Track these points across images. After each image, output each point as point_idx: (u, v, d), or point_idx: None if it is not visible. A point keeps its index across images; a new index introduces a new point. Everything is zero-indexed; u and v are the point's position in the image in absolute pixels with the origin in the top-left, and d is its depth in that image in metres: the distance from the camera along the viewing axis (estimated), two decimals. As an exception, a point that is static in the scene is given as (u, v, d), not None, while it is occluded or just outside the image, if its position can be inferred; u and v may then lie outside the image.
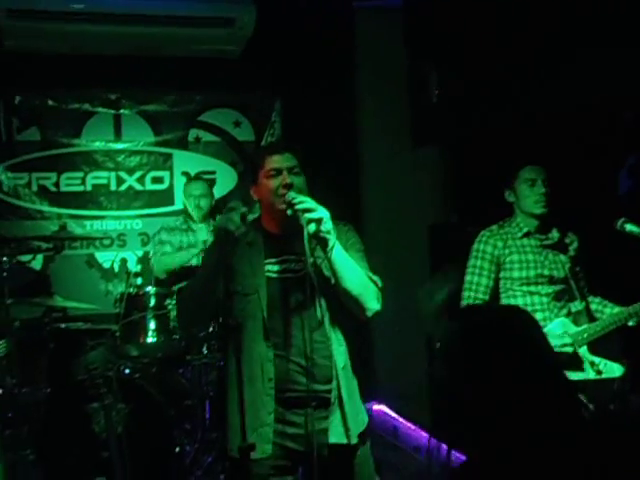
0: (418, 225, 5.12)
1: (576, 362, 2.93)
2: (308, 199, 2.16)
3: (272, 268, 2.27)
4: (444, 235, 5.09)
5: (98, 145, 5.11)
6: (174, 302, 3.80)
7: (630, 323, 2.93)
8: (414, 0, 4.90)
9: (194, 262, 4.19)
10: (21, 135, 4.99)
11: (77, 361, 3.92)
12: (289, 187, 2.20)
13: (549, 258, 3.05)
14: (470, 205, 4.85)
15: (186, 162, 5.25)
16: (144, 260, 4.83)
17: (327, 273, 2.23)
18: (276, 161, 2.25)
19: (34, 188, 5.00)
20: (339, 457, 2.24)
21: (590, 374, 2.93)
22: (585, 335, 2.95)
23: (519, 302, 3.02)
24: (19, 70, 4.77)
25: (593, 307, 3.08)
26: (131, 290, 3.89)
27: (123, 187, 5.16)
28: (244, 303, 2.24)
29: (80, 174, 5.08)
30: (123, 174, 5.16)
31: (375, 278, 2.28)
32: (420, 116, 5.03)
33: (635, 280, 3.09)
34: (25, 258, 4.83)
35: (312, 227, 2.13)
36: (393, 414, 5.07)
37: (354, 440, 2.25)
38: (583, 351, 2.95)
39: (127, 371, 3.72)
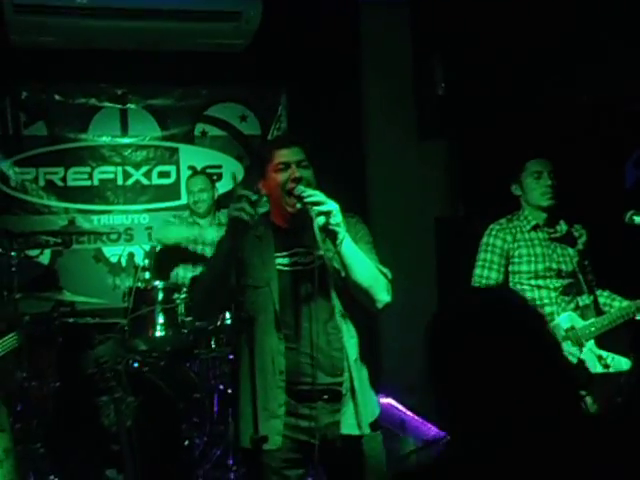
0: (424, 218, 5.13)
1: (580, 371, 2.93)
2: (317, 192, 2.17)
3: (282, 261, 2.28)
4: (450, 228, 5.10)
5: (105, 140, 5.12)
6: (182, 296, 3.82)
7: (638, 317, 2.93)
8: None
9: (192, 247, 4.22)
10: (28, 130, 4.99)
11: (86, 355, 3.94)
12: (298, 181, 2.21)
13: (557, 251, 3.05)
14: (476, 198, 4.85)
15: (192, 156, 5.25)
16: (151, 254, 4.84)
17: (337, 266, 2.24)
18: (284, 155, 2.25)
19: (41, 183, 5.01)
20: (352, 448, 2.26)
21: (598, 368, 2.94)
22: (593, 329, 2.96)
23: (527, 296, 3.02)
24: (26, 65, 4.77)
25: (601, 301, 3.08)
26: (139, 284, 3.90)
27: (130, 182, 5.17)
28: (255, 296, 2.25)
29: (87, 169, 5.09)
30: (130, 169, 5.17)
31: (385, 270, 2.29)
32: (426, 109, 5.03)
33: (643, 273, 3.09)
34: (33, 253, 4.84)
35: (322, 220, 2.14)
36: (400, 407, 5.09)
37: (366, 431, 2.27)
38: (591, 345, 2.95)
39: (136, 365, 3.74)
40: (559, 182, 3.03)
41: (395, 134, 5.13)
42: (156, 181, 5.21)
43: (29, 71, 4.82)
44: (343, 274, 2.23)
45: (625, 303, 3.01)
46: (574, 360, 2.92)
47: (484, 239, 3.13)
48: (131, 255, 5.16)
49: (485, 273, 3.05)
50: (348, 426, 2.25)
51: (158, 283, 3.90)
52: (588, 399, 2.99)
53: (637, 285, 3.02)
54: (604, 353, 2.96)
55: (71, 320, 4.08)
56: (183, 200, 5.12)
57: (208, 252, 4.25)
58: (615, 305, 3.04)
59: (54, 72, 4.87)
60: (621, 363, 2.95)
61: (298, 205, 2.18)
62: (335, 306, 2.25)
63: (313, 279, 2.16)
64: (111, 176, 5.14)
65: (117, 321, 3.99)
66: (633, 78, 3.71)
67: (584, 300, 3.03)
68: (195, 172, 4.85)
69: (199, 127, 5.28)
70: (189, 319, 3.83)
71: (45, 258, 4.97)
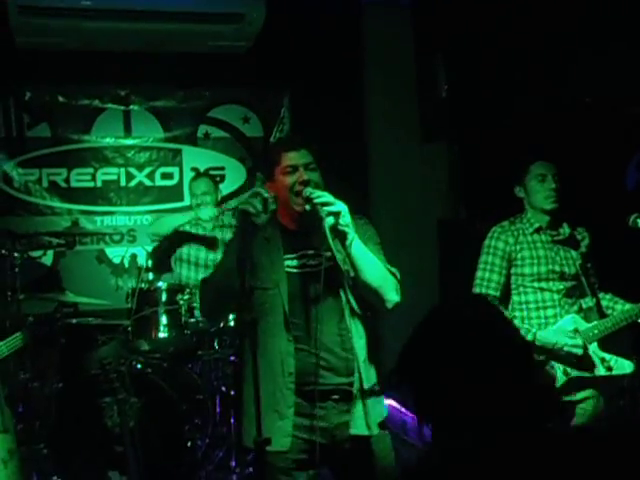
0: (427, 220, 5.14)
1: (587, 362, 2.94)
2: (326, 193, 2.19)
3: (291, 263, 2.29)
4: (452, 230, 5.10)
5: (108, 141, 5.13)
6: (185, 297, 3.82)
7: (640, 320, 2.94)
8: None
9: (187, 228, 4.25)
10: (31, 131, 5.01)
11: (89, 356, 3.95)
12: (306, 183, 2.22)
13: (560, 254, 3.05)
14: (478, 200, 4.86)
15: (195, 158, 5.27)
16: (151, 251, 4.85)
17: (346, 266, 2.25)
18: (292, 158, 2.27)
19: (45, 184, 5.03)
20: (361, 448, 2.27)
21: (601, 371, 2.94)
22: (596, 331, 2.96)
23: (530, 298, 3.03)
24: (29, 66, 4.79)
25: (604, 304, 3.08)
26: (142, 285, 3.90)
27: (133, 183, 5.18)
28: (264, 297, 2.26)
29: (90, 170, 5.10)
30: (133, 170, 5.18)
31: (394, 270, 2.30)
32: (429, 112, 5.04)
33: (646, 276, 3.09)
34: (36, 254, 4.85)
35: (331, 220, 2.16)
36: (402, 409, 5.09)
37: (375, 431, 2.28)
38: (594, 347, 2.96)
39: (139, 366, 3.74)
40: (561, 184, 3.03)
41: (397, 136, 5.14)
42: (159, 182, 5.22)
43: (33, 73, 4.84)
44: (352, 274, 2.24)
45: (628, 306, 3.01)
46: (580, 352, 2.92)
47: (486, 242, 3.13)
48: (134, 256, 5.17)
49: (487, 276, 3.06)
50: (357, 426, 2.26)
51: (161, 284, 3.91)
52: (591, 401, 2.99)
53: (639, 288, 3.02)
54: (607, 355, 2.96)
55: (74, 321, 4.08)
56: (186, 201, 5.13)
57: (208, 230, 4.28)
58: (618, 308, 3.05)
59: (57, 74, 4.89)
60: (624, 365, 2.96)
61: (307, 207, 2.19)
62: (344, 307, 2.27)
63: (323, 280, 2.18)
64: (114, 177, 5.15)
65: (120, 322, 3.99)
66: (634, 80, 3.72)
67: (587, 303, 3.03)
68: (198, 174, 4.85)
69: (202, 129, 5.29)
70: (192, 320, 3.83)
71: (48, 259, 4.98)
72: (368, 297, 2.26)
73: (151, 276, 4.00)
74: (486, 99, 4.49)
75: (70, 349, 3.96)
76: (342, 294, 2.27)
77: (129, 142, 5.17)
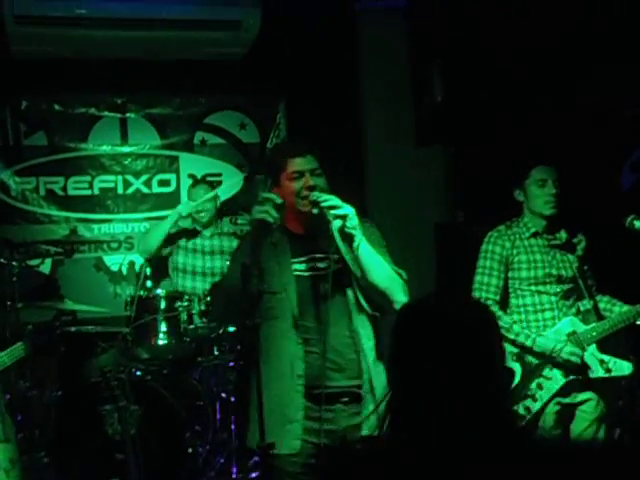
0: (423, 224, 5.15)
1: (584, 367, 2.95)
2: (332, 197, 2.22)
3: (299, 267, 2.32)
4: (449, 234, 5.12)
5: (105, 149, 5.13)
6: (184, 304, 3.83)
7: (638, 322, 2.95)
8: (418, 0, 4.91)
9: (185, 236, 4.28)
10: (28, 140, 5.00)
11: (88, 364, 3.95)
12: (313, 188, 2.26)
13: (557, 257, 3.07)
14: (475, 204, 4.87)
15: (192, 165, 5.27)
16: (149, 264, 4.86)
17: (353, 269, 2.27)
18: (298, 164, 2.30)
19: (42, 192, 5.03)
20: None
21: (599, 372, 2.96)
22: (594, 334, 2.97)
23: (528, 301, 3.04)
24: (25, 75, 4.78)
25: (602, 306, 3.10)
26: (141, 293, 3.91)
27: (130, 190, 5.18)
28: (273, 301, 2.29)
29: (87, 178, 5.10)
30: (130, 177, 5.18)
31: (400, 271, 2.32)
32: (425, 116, 5.05)
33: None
34: (34, 262, 4.85)
35: (338, 223, 2.19)
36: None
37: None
38: (592, 350, 2.97)
39: (139, 373, 3.75)
40: (561, 190, 3.05)
41: (394, 140, 5.16)
42: (156, 189, 5.22)
43: (29, 81, 4.84)
44: (360, 276, 2.26)
45: (625, 308, 3.03)
46: (578, 361, 2.94)
47: (483, 246, 3.15)
48: (132, 263, 5.17)
49: (485, 280, 3.08)
50: (369, 427, 2.27)
51: (160, 292, 3.92)
52: (591, 403, 3.01)
53: (637, 290, 3.03)
54: (606, 357, 2.98)
55: (73, 329, 4.08)
56: (183, 208, 5.14)
57: (206, 238, 4.29)
58: (615, 310, 3.06)
59: (54, 82, 4.89)
60: (623, 367, 2.97)
61: (314, 211, 2.22)
62: (353, 309, 2.29)
63: (331, 283, 2.20)
64: (111, 185, 5.15)
65: (119, 330, 3.99)
66: (629, 81, 3.74)
67: (585, 305, 3.05)
68: (197, 181, 4.86)
69: (198, 135, 5.30)
70: (191, 327, 3.84)
71: (46, 267, 4.97)
72: (376, 298, 2.29)
73: (150, 283, 4.01)
74: (482, 103, 4.51)
75: (69, 357, 3.96)
76: (351, 296, 2.30)
77: (126, 150, 5.18)
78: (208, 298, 3.83)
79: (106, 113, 5.11)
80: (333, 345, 2.24)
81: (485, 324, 1.29)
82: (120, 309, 4.28)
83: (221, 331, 3.79)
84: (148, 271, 4.10)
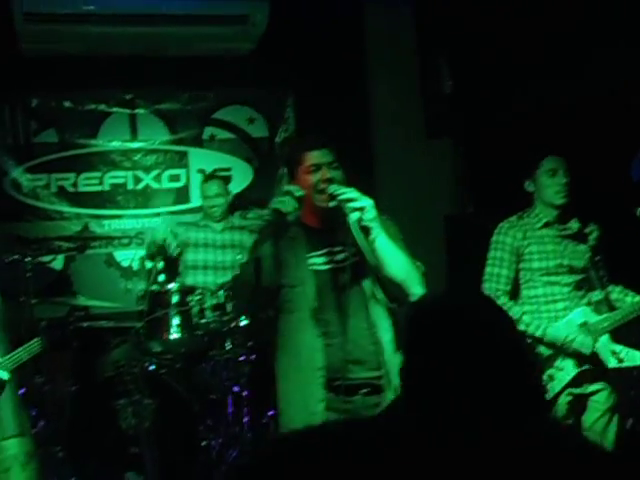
0: (433, 216, 5.15)
1: (596, 357, 2.95)
2: (350, 189, 2.23)
3: (317, 260, 2.34)
4: (460, 226, 5.11)
5: (115, 145, 5.15)
6: (196, 298, 3.84)
7: (650, 312, 2.95)
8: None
9: (195, 229, 4.35)
10: (39, 137, 5.02)
11: (102, 359, 3.98)
12: (330, 181, 2.27)
13: (569, 248, 3.07)
14: (485, 196, 4.86)
15: (202, 160, 5.28)
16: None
17: (371, 261, 2.29)
18: (315, 157, 2.32)
19: (53, 189, 5.05)
20: None
21: (611, 362, 2.96)
22: (606, 324, 2.97)
23: (539, 292, 3.04)
24: (35, 73, 4.81)
25: (614, 296, 3.10)
26: (154, 287, 3.93)
27: (140, 186, 5.20)
28: (291, 295, 2.31)
29: (98, 174, 5.12)
30: (140, 173, 5.20)
31: (418, 264, 2.34)
32: (433, 107, 5.05)
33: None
34: (46, 259, 4.88)
35: (356, 215, 2.20)
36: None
37: None
38: (605, 340, 2.97)
39: (152, 367, 3.77)
40: (571, 179, 3.04)
41: (403, 133, 5.16)
42: (166, 185, 5.24)
43: (39, 79, 4.86)
44: (377, 268, 2.28)
45: (638, 298, 3.03)
46: (588, 352, 2.94)
47: (494, 237, 3.15)
48: (142, 259, 5.18)
49: (496, 271, 3.08)
50: None
51: (172, 286, 3.94)
52: (603, 393, 3.01)
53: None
54: (618, 347, 2.98)
55: (86, 324, 4.11)
56: (193, 203, 5.16)
57: (217, 232, 4.31)
58: (627, 300, 3.06)
59: (63, 79, 4.91)
60: (635, 357, 2.97)
61: (332, 203, 2.24)
62: (371, 301, 2.30)
63: (349, 276, 2.22)
64: (122, 181, 5.17)
65: (131, 325, 4.02)
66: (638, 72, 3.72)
67: (597, 295, 3.05)
68: (209, 176, 4.85)
69: (207, 130, 5.30)
70: (203, 321, 3.86)
71: (58, 264, 5.00)
72: (393, 290, 2.31)
73: (162, 278, 4.02)
74: (491, 94, 4.50)
75: (83, 352, 3.99)
76: (368, 288, 2.31)
77: (135, 145, 5.19)
78: (220, 292, 3.85)
79: (115, 109, 5.13)
80: (352, 337, 2.26)
81: (503, 322, 1.27)
82: (132, 304, 4.30)
83: (233, 325, 3.81)
84: (160, 266, 4.11)
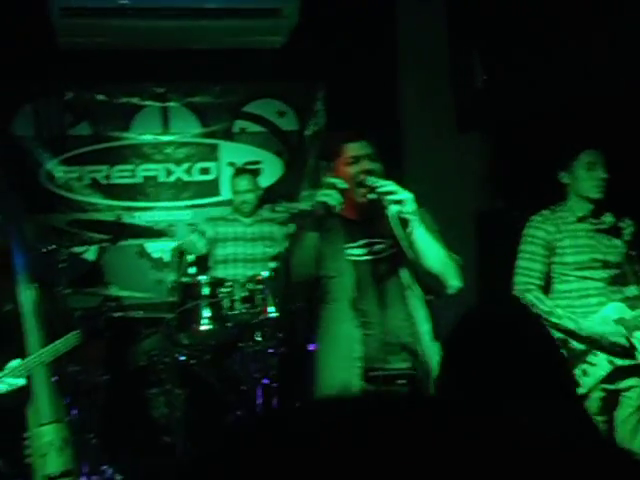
0: (464, 211, 5.11)
1: (631, 351, 2.92)
2: (390, 182, 2.24)
3: (356, 252, 2.35)
4: (490, 221, 5.08)
5: (147, 138, 5.20)
6: (226, 290, 3.88)
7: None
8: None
9: (223, 223, 4.40)
10: (73, 130, 5.10)
11: (134, 349, 4.04)
12: (369, 173, 2.28)
13: (603, 242, 3.03)
14: (516, 190, 4.82)
15: (232, 153, 5.31)
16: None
17: (408, 253, 2.29)
18: (354, 149, 2.34)
19: (86, 181, 5.12)
20: None
21: (646, 358, 2.92)
22: (641, 320, 2.94)
23: (573, 287, 3.01)
24: (70, 66, 4.88)
25: (649, 292, 3.05)
26: (185, 279, 3.97)
27: (172, 178, 5.25)
28: (329, 285, 2.33)
29: (130, 167, 5.18)
30: (171, 166, 5.25)
31: (455, 256, 2.34)
32: (464, 102, 5.01)
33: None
34: (79, 249, 4.95)
35: (395, 208, 2.21)
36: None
37: None
38: (639, 335, 2.93)
39: (182, 358, 3.81)
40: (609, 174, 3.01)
41: (433, 127, 5.13)
42: (197, 177, 5.28)
43: (73, 72, 4.93)
44: (415, 260, 2.28)
45: (674, 294, 2.98)
46: (625, 342, 2.90)
47: (525, 231, 3.12)
48: (173, 251, 5.23)
49: (529, 265, 3.05)
50: None
51: (203, 278, 3.97)
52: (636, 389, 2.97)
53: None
54: (653, 343, 2.94)
55: (118, 315, 4.17)
56: (223, 196, 5.19)
57: (246, 225, 4.33)
58: (663, 296, 3.02)
59: (97, 73, 4.97)
60: (669, 354, 2.93)
61: (371, 196, 2.25)
62: (409, 292, 2.31)
63: (387, 268, 2.23)
64: (153, 173, 5.22)
65: (162, 315, 4.06)
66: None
67: (632, 291, 3.01)
68: (240, 170, 4.87)
69: (238, 124, 5.33)
70: (233, 313, 3.89)
71: (91, 254, 5.08)
72: (430, 282, 2.32)
73: (194, 270, 4.06)
74: (524, 88, 4.45)
75: (116, 342, 4.05)
76: (405, 280, 2.31)
77: (167, 138, 5.24)
78: (249, 285, 3.88)
79: (148, 102, 5.18)
80: (390, 328, 2.27)
81: (547, 340, 1.28)
82: (162, 295, 4.34)
83: (262, 317, 3.83)
84: (190, 258, 4.15)
